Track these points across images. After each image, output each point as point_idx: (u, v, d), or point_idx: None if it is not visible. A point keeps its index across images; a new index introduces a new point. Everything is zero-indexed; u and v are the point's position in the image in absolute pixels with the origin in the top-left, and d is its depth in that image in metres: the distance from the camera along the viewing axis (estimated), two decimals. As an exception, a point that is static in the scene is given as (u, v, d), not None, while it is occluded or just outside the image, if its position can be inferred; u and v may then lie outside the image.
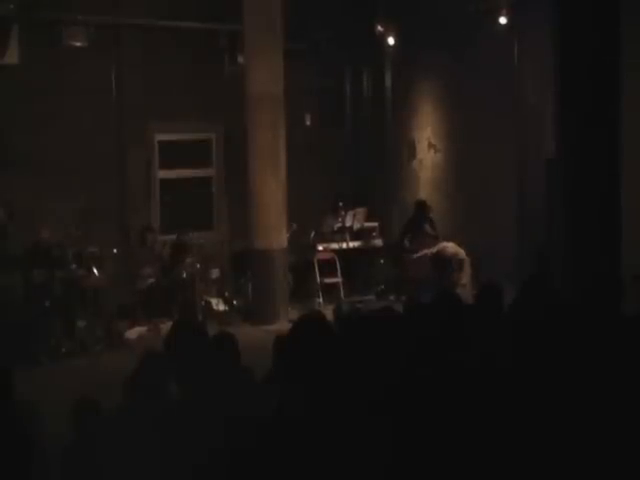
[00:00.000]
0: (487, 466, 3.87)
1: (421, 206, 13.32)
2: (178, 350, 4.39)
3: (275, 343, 4.44)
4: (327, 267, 13.49)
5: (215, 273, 13.00)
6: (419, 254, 12.77)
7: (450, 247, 12.55)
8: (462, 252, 12.43)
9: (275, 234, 12.23)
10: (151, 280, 11.99)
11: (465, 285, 11.19)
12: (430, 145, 14.73)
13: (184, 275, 12.12)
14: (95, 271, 11.13)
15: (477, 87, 13.30)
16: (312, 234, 13.69)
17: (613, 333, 4.71)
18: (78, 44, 12.59)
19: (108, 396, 4.51)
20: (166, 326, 9.97)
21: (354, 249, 13.88)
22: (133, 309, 11.93)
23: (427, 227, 13.06)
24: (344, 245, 13.74)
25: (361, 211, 14.17)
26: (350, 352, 4.41)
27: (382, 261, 13.97)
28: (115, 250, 11.92)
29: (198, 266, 12.21)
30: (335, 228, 13.87)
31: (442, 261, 12.33)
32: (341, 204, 13.94)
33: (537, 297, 5.05)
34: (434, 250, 12.66)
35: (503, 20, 12.68)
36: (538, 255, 11.48)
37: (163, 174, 14.13)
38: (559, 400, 4.09)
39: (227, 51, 13.93)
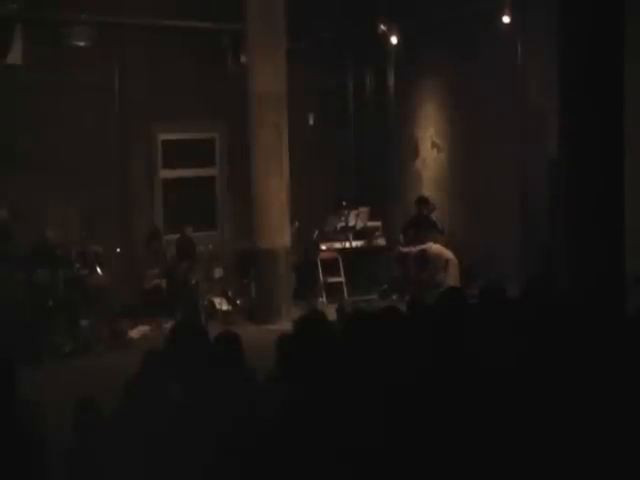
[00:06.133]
0: (491, 466, 3.88)
1: (422, 203, 13.33)
2: (179, 350, 4.40)
3: (278, 343, 4.44)
4: (330, 266, 13.49)
5: (218, 273, 12.99)
6: (404, 250, 12.83)
7: (434, 247, 12.59)
8: (448, 253, 12.45)
9: (278, 234, 12.23)
10: (157, 281, 12.04)
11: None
12: (433, 145, 14.72)
13: (187, 275, 12.14)
14: (98, 270, 11.14)
15: (480, 87, 13.29)
16: (315, 233, 13.69)
17: (616, 333, 4.72)
18: (81, 44, 12.59)
19: (111, 396, 4.52)
20: (169, 326, 9.97)
21: (357, 249, 13.87)
22: (136, 308, 11.95)
23: (430, 222, 13.07)
24: (347, 244, 13.74)
25: (364, 210, 14.16)
26: (353, 352, 4.42)
27: (385, 260, 13.96)
28: (118, 250, 11.92)
29: (201, 266, 12.21)
30: (338, 227, 13.86)
31: (423, 258, 12.39)
32: (344, 203, 13.94)
33: (540, 297, 5.05)
34: (418, 248, 12.71)
35: (506, 19, 12.66)
36: (543, 255, 11.46)
37: (166, 174, 14.13)
38: (562, 400, 4.09)
39: (230, 51, 13.93)
